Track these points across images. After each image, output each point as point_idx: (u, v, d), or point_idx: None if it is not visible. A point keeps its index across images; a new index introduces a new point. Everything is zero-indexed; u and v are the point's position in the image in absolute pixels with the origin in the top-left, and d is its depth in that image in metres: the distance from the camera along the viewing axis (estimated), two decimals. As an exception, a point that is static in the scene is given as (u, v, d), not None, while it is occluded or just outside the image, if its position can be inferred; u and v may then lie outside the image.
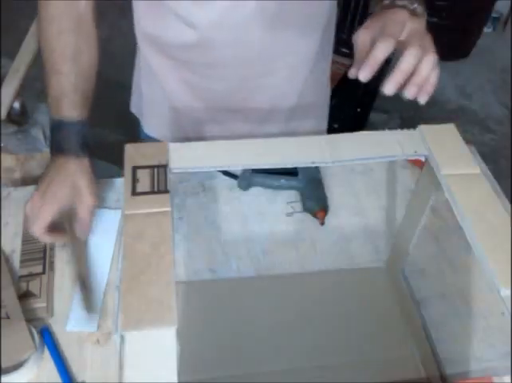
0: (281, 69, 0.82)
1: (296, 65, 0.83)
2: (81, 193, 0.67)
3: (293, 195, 0.88)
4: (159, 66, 0.85)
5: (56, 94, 0.69)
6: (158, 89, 0.88)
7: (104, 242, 0.77)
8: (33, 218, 0.66)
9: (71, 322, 0.68)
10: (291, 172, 0.87)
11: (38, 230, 0.66)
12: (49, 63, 0.70)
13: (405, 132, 0.61)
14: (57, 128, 0.69)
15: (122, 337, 0.42)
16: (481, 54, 2.62)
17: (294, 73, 0.85)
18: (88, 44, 0.71)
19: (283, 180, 0.87)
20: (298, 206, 0.86)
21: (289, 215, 0.85)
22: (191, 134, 0.92)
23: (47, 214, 0.65)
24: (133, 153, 0.56)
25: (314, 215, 0.84)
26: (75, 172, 0.67)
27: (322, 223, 0.83)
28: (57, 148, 0.68)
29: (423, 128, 0.61)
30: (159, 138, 0.94)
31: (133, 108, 1.00)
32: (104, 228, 0.79)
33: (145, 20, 0.81)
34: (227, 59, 0.79)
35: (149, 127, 0.96)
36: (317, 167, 0.88)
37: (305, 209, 0.85)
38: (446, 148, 0.58)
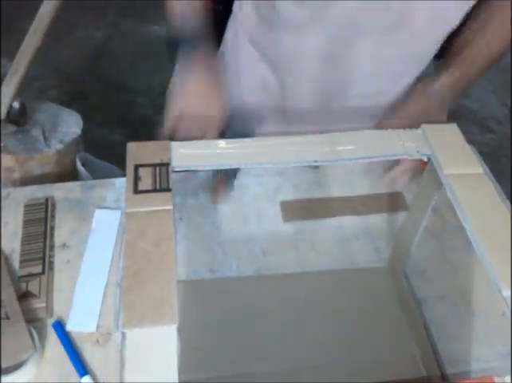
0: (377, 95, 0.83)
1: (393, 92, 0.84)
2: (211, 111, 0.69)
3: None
4: (247, 59, 0.86)
5: (174, 11, 0.73)
6: (234, 83, 0.89)
7: (103, 242, 0.77)
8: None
9: (71, 322, 0.68)
10: None
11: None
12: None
13: (408, 131, 0.61)
14: (182, 38, 0.72)
15: (123, 335, 0.42)
16: (481, 54, 2.62)
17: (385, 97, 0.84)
18: None
19: None
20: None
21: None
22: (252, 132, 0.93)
23: (182, 128, 0.68)
24: (135, 151, 0.56)
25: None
26: (206, 80, 0.70)
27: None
28: (186, 56, 0.71)
29: (425, 127, 0.61)
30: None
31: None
32: (104, 228, 0.79)
33: (252, 25, 0.83)
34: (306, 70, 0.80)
35: None
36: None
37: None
38: (448, 148, 0.58)
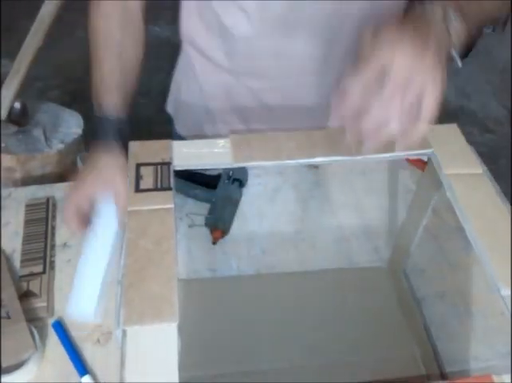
0: (325, 76, 0.82)
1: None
2: (116, 185, 0.66)
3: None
4: (202, 68, 0.86)
5: (98, 91, 0.69)
6: (197, 91, 0.89)
7: (104, 234, 0.77)
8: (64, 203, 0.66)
9: (71, 307, 0.68)
10: (211, 185, 0.85)
11: (65, 213, 0.65)
12: (94, 58, 0.71)
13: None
14: (98, 123, 0.69)
15: (124, 332, 0.42)
16: (481, 55, 2.63)
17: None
18: (134, 41, 0.73)
19: (198, 191, 0.85)
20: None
21: (190, 226, 0.83)
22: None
23: (74, 198, 0.65)
24: (137, 150, 0.57)
25: (211, 231, 0.81)
26: (110, 166, 0.66)
27: (213, 243, 0.79)
28: (96, 143, 0.68)
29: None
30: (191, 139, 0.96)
31: (169, 108, 1.00)
32: (104, 222, 0.79)
33: (191, 27, 0.82)
34: (270, 69, 0.80)
35: (183, 127, 0.97)
36: (240, 188, 0.86)
37: (206, 223, 0.82)
38: (448, 148, 0.59)
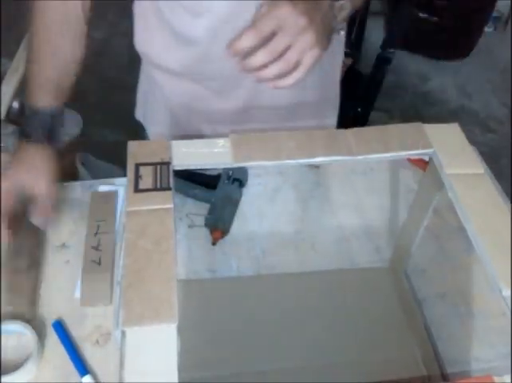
0: None
1: None
2: (40, 179, 0.67)
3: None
4: (160, 77, 0.87)
5: (31, 82, 0.71)
6: (160, 97, 0.90)
7: None
8: None
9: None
10: (210, 185, 0.85)
11: None
12: (31, 52, 0.72)
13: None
14: (28, 115, 0.70)
15: (123, 334, 0.42)
16: (482, 54, 2.62)
17: None
18: (72, 41, 0.73)
19: (198, 191, 0.85)
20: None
21: (190, 226, 0.83)
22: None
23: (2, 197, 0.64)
24: (136, 150, 0.56)
25: (210, 232, 0.81)
26: (37, 160, 0.68)
27: (213, 244, 0.79)
28: (25, 135, 0.70)
29: (427, 127, 0.61)
30: None
31: (138, 116, 1.00)
32: None
33: (144, 40, 0.83)
34: (226, 71, 0.79)
35: (153, 134, 0.97)
36: (240, 188, 0.86)
37: (205, 223, 0.82)
38: (450, 148, 0.58)
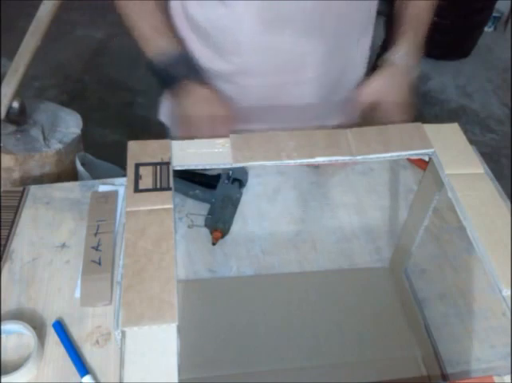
0: (312, 70, 0.83)
1: (328, 64, 0.84)
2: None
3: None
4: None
5: (152, 39, 0.78)
6: None
7: None
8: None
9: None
10: (210, 185, 0.86)
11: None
12: (135, 29, 0.80)
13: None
14: (168, 64, 0.76)
15: (123, 334, 0.41)
16: (482, 54, 2.63)
17: (325, 72, 0.85)
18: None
19: (198, 191, 0.85)
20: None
21: (190, 227, 0.83)
22: None
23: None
24: (136, 150, 0.56)
25: (210, 232, 0.81)
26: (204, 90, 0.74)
27: (213, 244, 0.79)
28: (176, 80, 0.76)
29: (427, 127, 0.61)
30: None
31: (162, 117, 1.00)
32: None
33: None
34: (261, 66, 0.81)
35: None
36: (240, 188, 0.87)
37: (205, 223, 0.82)
38: (450, 148, 0.58)
